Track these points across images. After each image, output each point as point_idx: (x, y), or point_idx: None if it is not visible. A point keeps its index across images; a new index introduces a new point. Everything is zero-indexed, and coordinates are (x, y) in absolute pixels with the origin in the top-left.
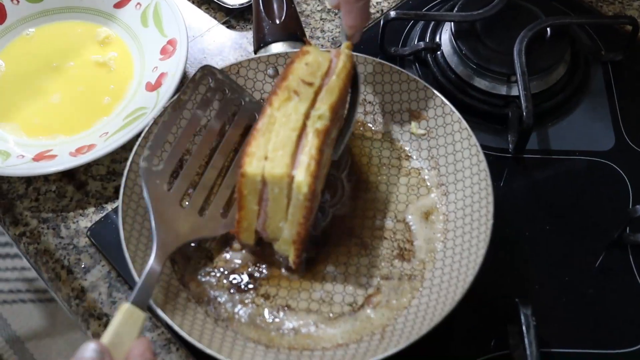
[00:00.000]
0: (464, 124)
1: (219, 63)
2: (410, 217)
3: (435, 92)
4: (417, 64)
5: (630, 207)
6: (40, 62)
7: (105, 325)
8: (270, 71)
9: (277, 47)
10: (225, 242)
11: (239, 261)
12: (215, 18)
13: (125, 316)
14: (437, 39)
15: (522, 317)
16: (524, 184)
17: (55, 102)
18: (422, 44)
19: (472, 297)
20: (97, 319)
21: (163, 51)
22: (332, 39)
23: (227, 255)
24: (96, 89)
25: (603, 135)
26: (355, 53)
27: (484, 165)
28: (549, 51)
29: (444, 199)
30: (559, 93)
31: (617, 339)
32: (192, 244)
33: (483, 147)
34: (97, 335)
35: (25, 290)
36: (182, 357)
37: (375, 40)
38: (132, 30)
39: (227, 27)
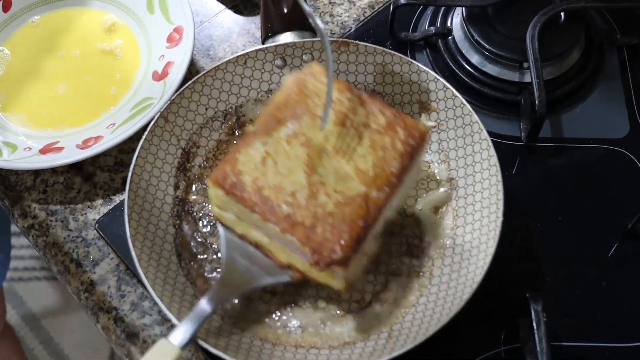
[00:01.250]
0: (475, 117)
1: (226, 50)
2: (419, 211)
3: (447, 83)
4: (427, 49)
5: None
6: (46, 50)
7: (115, 319)
8: (279, 62)
9: (286, 37)
10: None
11: None
12: (222, 3)
13: (157, 350)
14: (449, 24)
15: (533, 313)
16: (536, 173)
17: (62, 93)
18: (432, 29)
19: (482, 290)
20: (107, 313)
21: (170, 39)
22: (342, 23)
23: None
24: (103, 79)
25: (617, 122)
26: (364, 43)
27: (494, 160)
28: (563, 36)
29: (454, 193)
30: (572, 79)
31: (630, 332)
32: (199, 239)
33: (494, 135)
34: (106, 329)
35: (40, 268)
36: (190, 351)
37: (385, 25)
38: (138, 17)
39: (235, 12)
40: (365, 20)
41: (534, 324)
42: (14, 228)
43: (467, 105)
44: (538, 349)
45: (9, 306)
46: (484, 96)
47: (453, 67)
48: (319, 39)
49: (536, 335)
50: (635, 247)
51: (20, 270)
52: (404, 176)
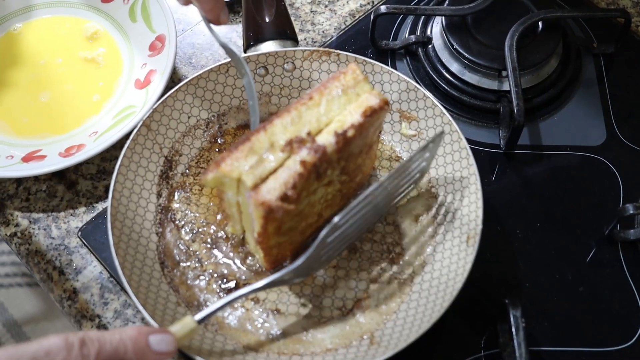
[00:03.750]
0: (455, 126)
1: (208, 58)
2: (400, 219)
3: (427, 92)
4: (408, 58)
5: (621, 202)
6: (29, 58)
7: (98, 326)
8: (261, 70)
9: (267, 46)
10: (215, 245)
11: (228, 264)
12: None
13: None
14: (429, 33)
15: (512, 319)
16: (515, 180)
17: (44, 101)
18: (413, 37)
19: (462, 296)
20: (90, 320)
21: (152, 47)
22: (323, 32)
23: (217, 259)
24: (85, 87)
25: (594, 130)
26: (345, 52)
27: (473, 168)
28: (541, 45)
29: (434, 201)
30: (550, 87)
31: (607, 336)
32: (182, 247)
33: (474, 142)
34: None
35: (21, 274)
36: (173, 359)
37: (366, 33)
38: (121, 26)
39: None
40: (346, 28)
41: (513, 330)
42: None
43: (447, 114)
44: (517, 354)
45: None
46: (464, 104)
47: (433, 75)
48: (300, 48)
49: (515, 341)
50: (612, 253)
51: (1, 277)
52: (357, 134)
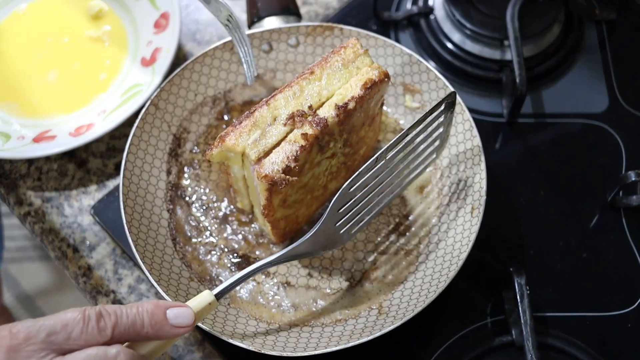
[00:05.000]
0: (458, 98)
1: (212, 34)
2: (405, 191)
3: (429, 65)
4: (411, 29)
5: (624, 168)
6: (35, 39)
7: (113, 301)
8: (265, 46)
9: (271, 22)
10: (225, 220)
11: (239, 239)
12: None
13: (199, 297)
14: (430, 3)
15: (517, 286)
16: (519, 148)
17: (52, 80)
18: (415, 8)
19: (467, 265)
20: (105, 296)
21: (157, 25)
22: (325, 4)
23: (227, 234)
24: (92, 65)
25: (597, 97)
26: (348, 27)
27: (477, 140)
28: (543, 13)
29: (438, 172)
30: (552, 55)
31: (611, 301)
32: (193, 223)
33: (477, 112)
34: None
35: (33, 247)
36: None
37: (368, 5)
38: (124, 3)
39: None
40: (349, 1)
41: (518, 297)
42: (4, 209)
43: (450, 86)
44: (522, 320)
45: (3, 287)
46: (466, 74)
47: (435, 46)
48: (304, 23)
49: (520, 307)
50: (614, 219)
51: (13, 251)
52: (358, 106)
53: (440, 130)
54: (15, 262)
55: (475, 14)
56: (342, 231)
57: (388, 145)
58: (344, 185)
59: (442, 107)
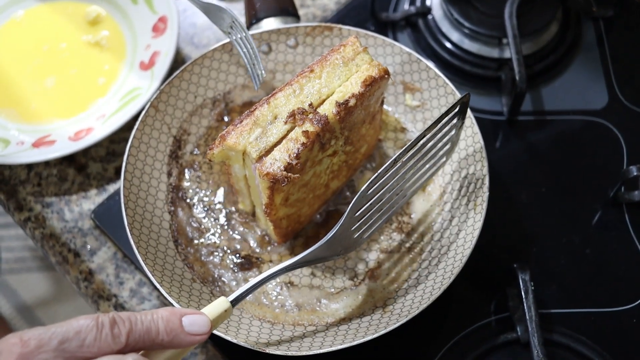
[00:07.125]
0: (458, 95)
1: (210, 37)
2: None
3: (429, 64)
4: (409, 29)
5: (625, 164)
6: (32, 45)
7: (115, 305)
8: (264, 47)
9: (269, 23)
10: (227, 221)
11: (241, 240)
12: None
13: (214, 303)
14: (428, 3)
15: (521, 283)
16: (519, 146)
17: (50, 86)
18: (412, 8)
19: (470, 262)
20: (107, 300)
21: (155, 29)
22: (323, 5)
23: (229, 235)
24: (90, 70)
25: (596, 93)
26: (347, 27)
27: (478, 137)
28: (541, 11)
29: (440, 171)
30: (551, 53)
31: (615, 297)
32: (194, 225)
33: (477, 110)
34: None
35: (31, 258)
36: None
37: (366, 6)
38: (122, 8)
39: None
40: (346, 2)
41: (522, 293)
42: (2, 220)
43: (450, 84)
44: (527, 317)
45: (1, 298)
46: (466, 73)
47: (434, 45)
48: (303, 24)
49: (525, 304)
50: (617, 215)
51: (12, 262)
52: (358, 103)
53: (452, 132)
54: (13, 273)
55: (474, 13)
56: (356, 235)
57: (406, 147)
58: (362, 188)
59: (457, 109)
